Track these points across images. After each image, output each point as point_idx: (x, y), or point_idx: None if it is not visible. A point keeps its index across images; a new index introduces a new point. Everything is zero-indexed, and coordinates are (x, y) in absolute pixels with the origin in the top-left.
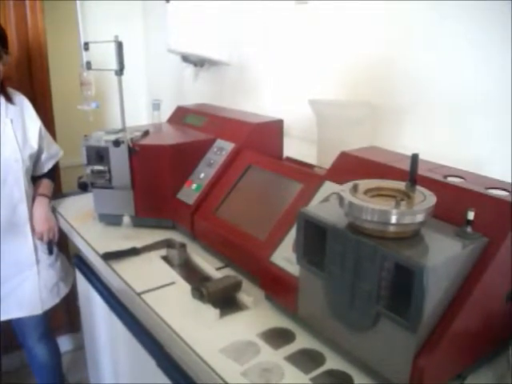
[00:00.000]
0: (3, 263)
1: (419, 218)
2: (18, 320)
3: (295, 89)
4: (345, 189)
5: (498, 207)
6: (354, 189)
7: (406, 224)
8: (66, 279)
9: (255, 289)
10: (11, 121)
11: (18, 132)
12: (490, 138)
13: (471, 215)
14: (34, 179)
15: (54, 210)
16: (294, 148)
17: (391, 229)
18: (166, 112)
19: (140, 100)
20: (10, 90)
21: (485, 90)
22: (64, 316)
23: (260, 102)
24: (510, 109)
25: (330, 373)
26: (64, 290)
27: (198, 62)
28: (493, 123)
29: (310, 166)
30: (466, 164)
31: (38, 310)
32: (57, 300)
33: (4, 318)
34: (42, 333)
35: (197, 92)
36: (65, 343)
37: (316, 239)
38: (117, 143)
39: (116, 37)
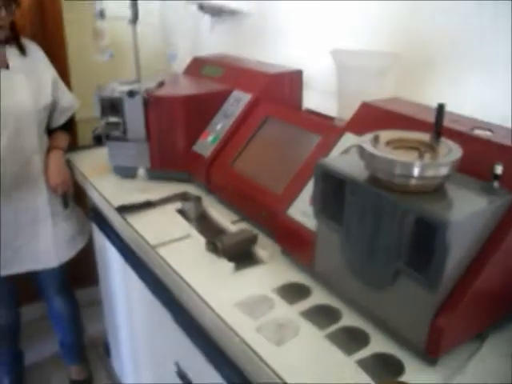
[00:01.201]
0: (18, 216)
1: (443, 171)
2: (36, 272)
3: (316, 39)
4: (365, 140)
5: None
6: (376, 140)
7: (430, 177)
8: (82, 232)
9: (271, 243)
10: (24, 72)
11: (31, 83)
12: None
13: (499, 169)
14: (50, 132)
15: (68, 163)
16: (314, 100)
17: (414, 182)
18: (183, 64)
19: (156, 51)
20: (24, 40)
21: None
22: (83, 268)
23: (279, 52)
24: None
25: (346, 329)
26: (80, 243)
27: (216, 12)
28: None
29: (330, 119)
30: (496, 120)
31: (53, 263)
32: (73, 253)
33: (19, 270)
34: (60, 285)
35: (214, 43)
36: (85, 295)
37: (334, 192)
38: (131, 94)
39: None
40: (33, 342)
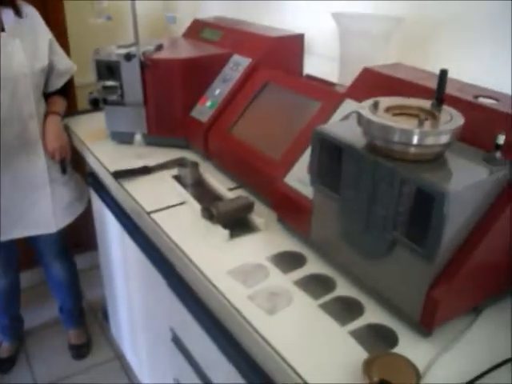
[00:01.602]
0: (16, 181)
1: (443, 139)
2: (35, 238)
3: (318, 2)
4: (364, 106)
5: None
6: (375, 106)
7: (429, 145)
8: (80, 198)
9: (268, 211)
10: (20, 34)
11: (27, 45)
12: None
13: (501, 139)
14: (47, 96)
15: (66, 128)
16: (315, 65)
17: (412, 150)
18: (184, 27)
19: (155, 13)
20: (20, 2)
21: None
22: (82, 234)
23: (281, 15)
24: None
25: (340, 299)
26: (79, 209)
27: None
28: None
29: (331, 84)
30: (503, 89)
31: (52, 229)
32: (71, 219)
33: (18, 235)
34: (59, 250)
35: (215, 6)
36: (83, 261)
37: (332, 160)
38: (128, 57)
39: None
40: (32, 307)
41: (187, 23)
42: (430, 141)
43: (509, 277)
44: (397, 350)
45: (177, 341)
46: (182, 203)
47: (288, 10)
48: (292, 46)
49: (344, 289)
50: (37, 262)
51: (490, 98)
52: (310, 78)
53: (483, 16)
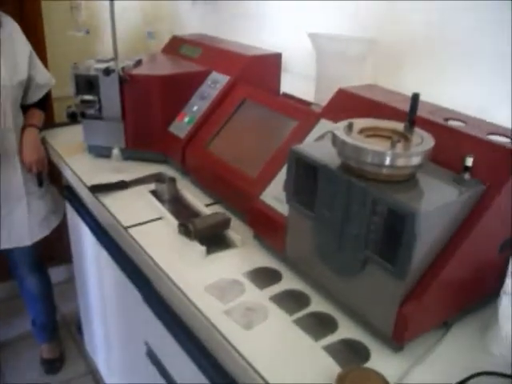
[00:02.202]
0: None
1: (415, 160)
2: (9, 250)
3: (297, 22)
4: (339, 127)
5: (498, 154)
6: (349, 128)
7: (401, 166)
8: (56, 211)
9: (244, 227)
10: None
11: (6, 58)
12: (498, 82)
13: (469, 162)
14: (25, 109)
15: (43, 141)
16: (292, 84)
17: (385, 171)
18: (163, 43)
19: (135, 29)
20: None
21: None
22: (57, 247)
23: (260, 35)
24: None
25: (314, 315)
26: (54, 222)
27: None
28: (502, 67)
29: (307, 104)
30: (473, 110)
31: (26, 242)
32: (46, 232)
33: None
34: (33, 263)
35: (194, 24)
36: (58, 274)
37: (307, 179)
38: (107, 72)
39: None
40: (5, 320)
41: (166, 39)
42: (401, 162)
43: (477, 291)
44: (369, 364)
45: (151, 355)
46: (159, 218)
47: (266, 28)
48: (269, 65)
49: (318, 305)
50: (11, 275)
51: (460, 120)
52: (287, 96)
53: (457, 38)
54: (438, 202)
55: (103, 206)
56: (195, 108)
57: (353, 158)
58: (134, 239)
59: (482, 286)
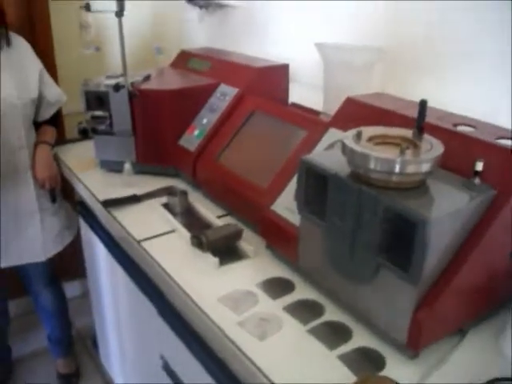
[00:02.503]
0: (5, 211)
1: (425, 167)
2: (23, 266)
3: (304, 32)
4: (348, 136)
5: (508, 158)
6: (358, 136)
7: (411, 173)
8: (70, 227)
9: (256, 238)
10: (10, 65)
11: (17, 77)
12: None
13: (480, 166)
14: (37, 126)
15: (55, 157)
16: (300, 94)
17: (395, 178)
18: (172, 57)
19: (144, 44)
20: (10, 34)
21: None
22: (71, 262)
23: (267, 46)
24: None
25: (329, 324)
26: (68, 238)
27: (204, 4)
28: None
29: (316, 113)
30: (482, 115)
31: (40, 257)
32: (60, 248)
33: (7, 264)
34: (47, 279)
35: (203, 36)
36: (73, 289)
37: (318, 188)
38: (117, 88)
39: None
40: (21, 335)
41: (174, 53)
42: (411, 169)
43: (491, 298)
44: (384, 372)
45: (167, 368)
46: (171, 231)
47: (273, 39)
48: (277, 76)
49: (332, 314)
50: (26, 291)
51: (469, 125)
52: (296, 106)
53: (462, 45)
54: (448, 208)
55: (116, 220)
56: (205, 121)
57: (362, 167)
58: (147, 252)
59: (496, 291)
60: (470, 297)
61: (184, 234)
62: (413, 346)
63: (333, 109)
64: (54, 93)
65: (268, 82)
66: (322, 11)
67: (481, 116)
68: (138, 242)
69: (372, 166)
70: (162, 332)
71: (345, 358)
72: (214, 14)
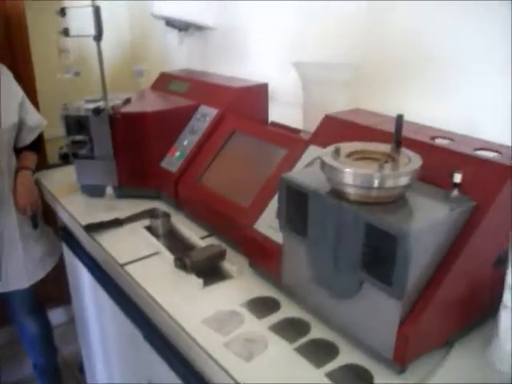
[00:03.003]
0: None
1: (403, 181)
2: (5, 294)
3: (282, 51)
4: (326, 152)
5: (486, 169)
6: (336, 152)
7: (390, 188)
8: (52, 252)
9: (240, 258)
10: None
11: None
12: (485, 100)
13: (458, 178)
14: (17, 152)
15: (37, 183)
16: (280, 112)
17: (374, 193)
18: (152, 80)
19: (123, 68)
20: None
21: (484, 45)
22: (55, 288)
23: (246, 66)
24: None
25: (315, 342)
26: (51, 264)
27: (183, 27)
28: (489, 83)
29: (296, 131)
30: (459, 127)
31: (23, 284)
32: (43, 274)
33: None
34: (31, 306)
35: (183, 58)
36: (58, 315)
37: (299, 205)
38: (97, 111)
39: (93, 1)
40: (6, 365)
41: (155, 76)
42: (390, 183)
43: (476, 308)
44: None
45: None
46: (154, 254)
47: (252, 60)
48: (256, 95)
49: (318, 331)
50: (9, 320)
51: (446, 138)
52: (275, 125)
53: (439, 59)
54: (428, 221)
55: (99, 244)
56: (186, 142)
57: (341, 183)
58: (130, 276)
59: (481, 301)
60: (455, 308)
61: (167, 256)
62: (400, 360)
63: (312, 126)
64: (35, 119)
65: (247, 102)
66: (299, 30)
67: (459, 129)
68: (121, 265)
69: (351, 181)
70: (149, 357)
71: (332, 376)
72: (193, 36)
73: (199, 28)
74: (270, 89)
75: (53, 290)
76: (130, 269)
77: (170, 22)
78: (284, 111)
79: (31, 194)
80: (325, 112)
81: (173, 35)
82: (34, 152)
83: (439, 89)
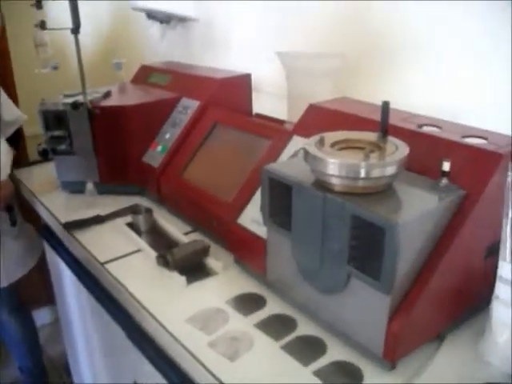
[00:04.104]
0: None
1: (390, 170)
2: None
3: (265, 42)
4: (310, 142)
5: (475, 156)
6: (321, 142)
7: (376, 178)
8: (32, 251)
9: (224, 253)
10: None
11: None
12: (473, 88)
13: (447, 166)
14: None
15: (15, 179)
16: (264, 104)
17: (360, 183)
18: (133, 73)
19: (104, 60)
20: None
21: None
22: (40, 288)
23: (230, 58)
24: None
25: (302, 339)
26: (31, 262)
27: (164, 19)
28: (476, 72)
29: (280, 122)
30: (447, 115)
31: (3, 283)
32: (23, 272)
33: None
34: (12, 306)
35: (165, 51)
36: (43, 316)
37: (283, 198)
38: (75, 106)
39: None
40: None
41: (136, 68)
42: (376, 173)
43: (467, 300)
44: None
45: None
46: (136, 251)
47: (236, 51)
48: (239, 86)
49: (305, 327)
50: None
51: (434, 126)
52: (260, 116)
53: (424, 47)
54: (417, 211)
55: (79, 242)
56: (167, 136)
57: (326, 173)
58: (111, 275)
59: (472, 293)
60: (445, 301)
61: (150, 254)
62: (389, 356)
63: (297, 117)
64: (11, 113)
65: (230, 93)
66: (283, 20)
67: (447, 116)
68: (102, 264)
69: (336, 172)
70: (134, 357)
71: (320, 374)
72: (176, 28)
73: (181, 20)
74: (254, 80)
75: (38, 290)
76: (111, 267)
77: (152, 15)
78: (269, 102)
79: (5, 186)
80: (309, 102)
81: (154, 28)
82: (10, 147)
83: (427, 76)
